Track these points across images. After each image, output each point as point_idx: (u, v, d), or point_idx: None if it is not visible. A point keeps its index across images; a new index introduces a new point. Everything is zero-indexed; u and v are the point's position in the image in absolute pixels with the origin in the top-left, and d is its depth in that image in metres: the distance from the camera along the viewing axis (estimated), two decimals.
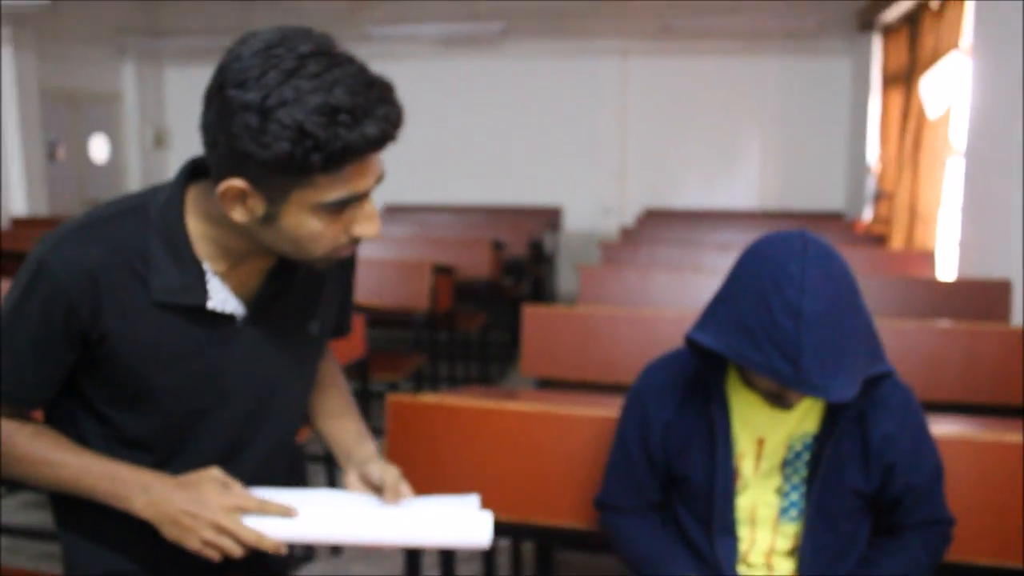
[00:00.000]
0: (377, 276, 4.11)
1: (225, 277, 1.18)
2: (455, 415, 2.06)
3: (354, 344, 3.37)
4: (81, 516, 1.28)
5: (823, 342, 1.28)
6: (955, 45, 4.77)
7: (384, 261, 4.33)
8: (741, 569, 1.56)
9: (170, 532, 1.16)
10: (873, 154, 6.67)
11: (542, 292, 7.06)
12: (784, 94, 7.67)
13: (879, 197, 6.34)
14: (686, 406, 1.56)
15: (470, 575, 3.02)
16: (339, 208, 1.06)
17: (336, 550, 3.27)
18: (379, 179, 1.09)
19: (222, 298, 1.18)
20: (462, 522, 1.24)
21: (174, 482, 1.18)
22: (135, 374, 1.17)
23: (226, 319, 1.19)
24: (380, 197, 8.30)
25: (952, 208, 4.81)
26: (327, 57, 1.00)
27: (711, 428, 1.53)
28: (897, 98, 5.92)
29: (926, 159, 5.07)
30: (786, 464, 1.52)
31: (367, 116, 1.00)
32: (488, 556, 2.63)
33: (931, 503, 1.57)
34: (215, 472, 1.19)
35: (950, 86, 4.73)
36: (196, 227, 1.16)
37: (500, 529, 2.18)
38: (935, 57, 4.94)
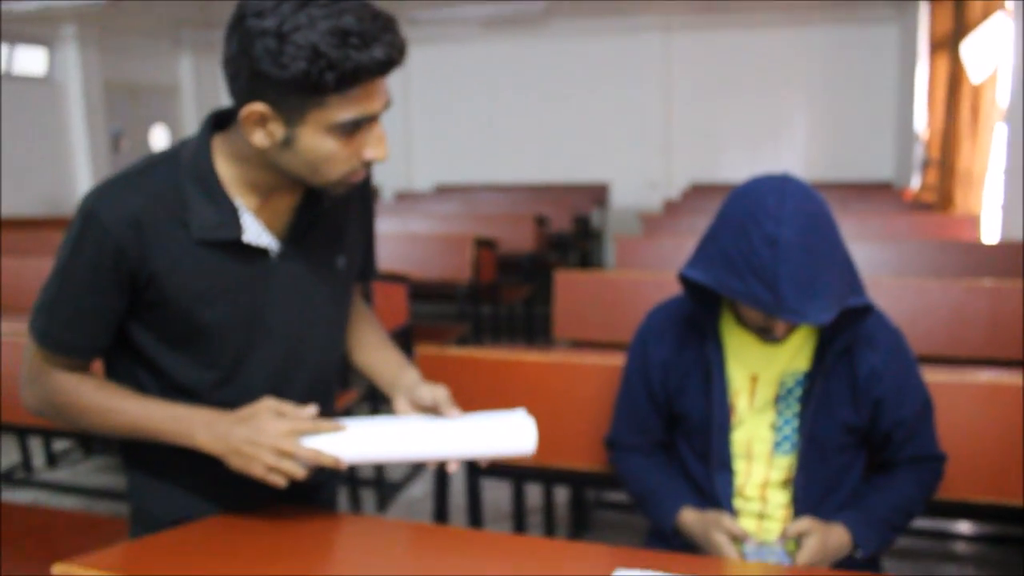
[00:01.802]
0: (421, 249, 4.25)
1: (257, 213, 1.29)
2: (481, 366, 2.18)
3: (397, 312, 3.51)
4: (151, 463, 1.40)
5: (799, 269, 1.37)
6: (1001, 6, 4.71)
7: (428, 235, 4.47)
8: (737, 502, 1.64)
9: (234, 462, 1.26)
10: (921, 121, 6.59)
11: (589, 266, 7.15)
12: (830, 63, 7.60)
13: (927, 164, 6.27)
14: (684, 346, 1.66)
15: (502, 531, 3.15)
16: (351, 130, 1.17)
17: (382, 506, 3.43)
18: (387, 105, 1.19)
19: (256, 232, 1.29)
20: (508, 432, 1.34)
21: (233, 416, 1.27)
22: (184, 313, 1.27)
23: (261, 254, 1.31)
24: (431, 178, 8.48)
25: (997, 172, 4.76)
26: None
27: (707, 366, 1.62)
28: (944, 64, 5.84)
29: (973, 124, 5.01)
30: (779, 400, 1.60)
31: (375, 40, 1.10)
32: (519, 514, 2.75)
33: (921, 439, 1.63)
34: (269, 402, 1.28)
35: (994, 49, 4.67)
36: (224, 168, 1.26)
37: (531, 474, 2.33)
38: (982, 20, 4.87)
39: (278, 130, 1.16)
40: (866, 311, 1.51)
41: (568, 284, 3.18)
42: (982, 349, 2.78)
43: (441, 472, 2.31)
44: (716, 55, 7.84)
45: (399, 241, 4.31)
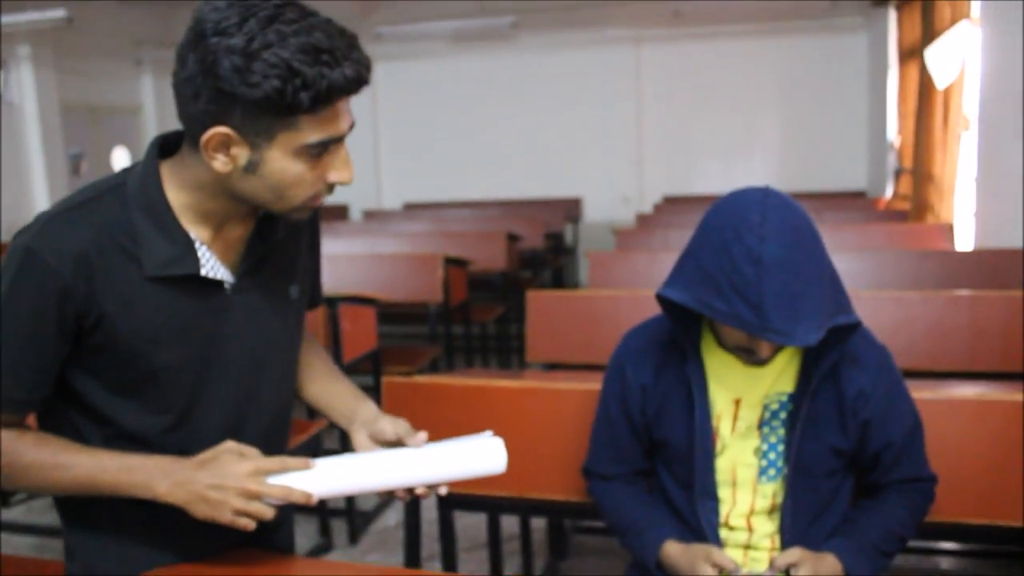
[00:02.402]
0: (389, 270, 4.15)
1: (210, 244, 1.21)
2: (449, 394, 2.09)
3: (365, 337, 3.41)
4: (93, 518, 1.27)
5: (784, 287, 1.29)
6: (967, 15, 4.70)
7: (396, 255, 4.37)
8: (722, 532, 1.56)
9: (200, 510, 1.16)
10: (893, 130, 6.59)
11: (563, 283, 7.06)
12: (801, 73, 7.61)
13: (899, 173, 6.27)
14: (663, 368, 1.58)
15: (475, 563, 3.04)
16: (319, 151, 1.11)
17: (353, 540, 3.31)
18: (352, 125, 1.14)
19: (212, 265, 1.20)
20: (478, 451, 1.28)
21: (193, 461, 1.18)
22: (137, 356, 1.17)
23: (216, 288, 1.22)
24: (399, 196, 8.38)
25: (969, 180, 4.75)
26: (299, 7, 1.07)
27: (688, 389, 1.54)
28: (914, 72, 5.84)
29: (943, 132, 5.01)
30: (763, 424, 1.53)
31: (345, 58, 1.05)
32: (494, 542, 2.65)
33: (911, 460, 1.57)
34: (229, 444, 1.19)
35: (959, 56, 4.66)
36: (176, 197, 1.18)
37: (506, 506, 2.23)
38: (949, 28, 4.87)
39: (242, 154, 1.10)
40: (853, 329, 1.43)
41: (541, 304, 3.09)
42: (964, 362, 2.72)
43: (413, 501, 2.21)
44: (687, 67, 7.83)
45: (367, 262, 4.21)
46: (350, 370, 3.29)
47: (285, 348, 1.35)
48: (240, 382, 1.27)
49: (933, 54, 4.85)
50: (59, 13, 5.32)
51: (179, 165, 1.18)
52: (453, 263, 4.33)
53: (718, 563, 1.49)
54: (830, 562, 1.48)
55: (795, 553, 1.48)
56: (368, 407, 1.40)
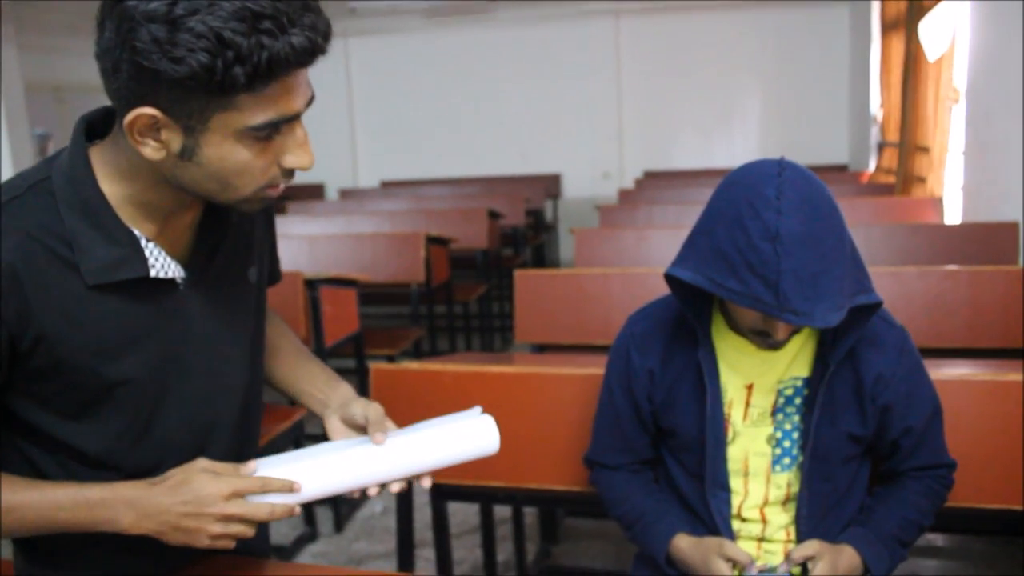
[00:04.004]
0: (370, 250, 4.03)
1: (156, 239, 1.07)
2: (438, 381, 2.00)
3: (347, 319, 3.31)
4: (51, 540, 1.13)
5: (803, 265, 1.21)
6: None
7: (377, 235, 4.25)
8: (735, 524, 1.49)
9: (174, 538, 1.04)
10: (876, 103, 6.53)
11: (544, 261, 6.98)
12: (782, 46, 7.54)
13: (882, 146, 6.22)
14: (671, 353, 1.49)
15: (467, 548, 2.97)
16: (267, 134, 0.96)
17: (338, 527, 3.22)
18: (310, 101, 1.00)
19: (161, 263, 1.07)
20: (468, 434, 1.20)
21: (161, 487, 1.05)
22: (87, 375, 1.04)
23: (168, 286, 1.09)
24: (377, 175, 8.25)
25: (957, 153, 4.70)
26: None
27: (699, 374, 1.45)
28: (898, 44, 5.77)
29: (929, 105, 4.95)
30: (777, 410, 1.45)
31: (293, 24, 0.90)
32: (487, 532, 2.57)
33: (930, 446, 1.50)
34: (202, 462, 1.07)
35: (949, 28, 4.59)
36: (112, 191, 1.03)
37: (500, 496, 2.15)
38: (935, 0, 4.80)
39: (174, 139, 0.95)
40: (873, 309, 1.35)
41: (528, 284, 2.99)
42: (964, 338, 2.65)
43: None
44: (667, 40, 7.73)
45: (347, 242, 4.09)
46: (332, 354, 3.20)
47: (250, 336, 1.23)
48: (205, 382, 1.15)
49: (926, 26, 4.78)
50: None
51: (112, 150, 1.03)
52: (434, 242, 4.23)
53: (731, 557, 1.42)
54: (848, 554, 1.41)
55: (812, 546, 1.41)
56: (341, 391, 1.30)
